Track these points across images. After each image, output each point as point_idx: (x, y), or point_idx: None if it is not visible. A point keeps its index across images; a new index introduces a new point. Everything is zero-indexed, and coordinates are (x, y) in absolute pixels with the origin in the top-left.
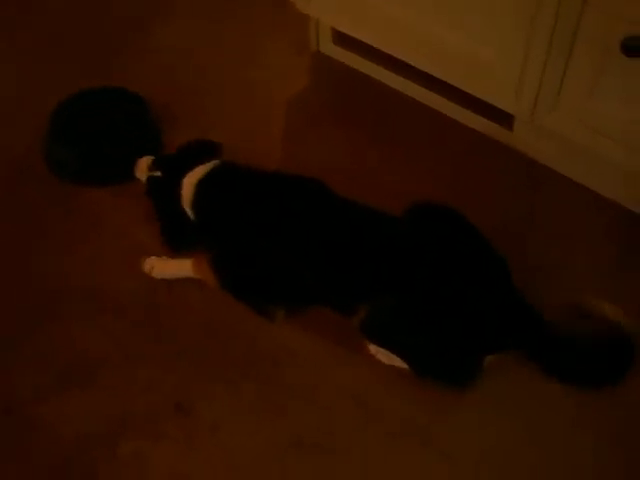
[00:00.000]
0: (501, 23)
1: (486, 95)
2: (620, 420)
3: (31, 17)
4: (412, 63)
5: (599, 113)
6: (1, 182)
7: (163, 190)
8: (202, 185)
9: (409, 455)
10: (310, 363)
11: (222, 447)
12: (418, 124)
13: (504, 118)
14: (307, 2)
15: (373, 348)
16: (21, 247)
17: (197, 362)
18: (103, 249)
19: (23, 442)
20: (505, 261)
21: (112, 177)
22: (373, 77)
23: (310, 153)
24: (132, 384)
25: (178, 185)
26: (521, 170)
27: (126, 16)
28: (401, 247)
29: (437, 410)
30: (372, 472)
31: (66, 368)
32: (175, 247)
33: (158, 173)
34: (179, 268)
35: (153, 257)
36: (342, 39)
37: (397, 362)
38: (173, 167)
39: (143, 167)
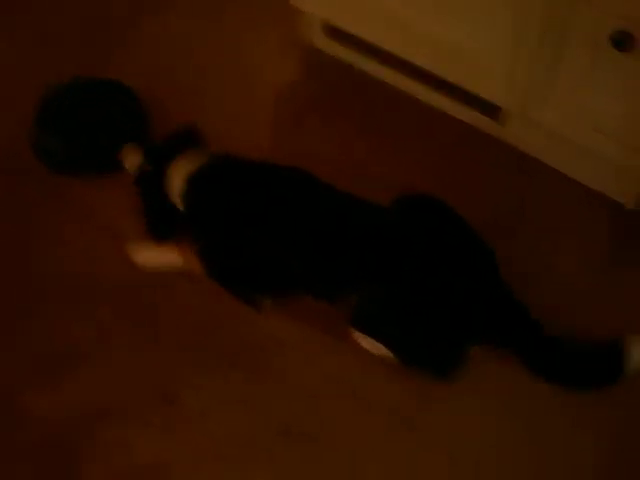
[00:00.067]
0: (491, 15)
1: (476, 88)
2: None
3: (29, 9)
4: (401, 55)
5: (590, 107)
6: None
7: (149, 180)
8: (193, 177)
9: (396, 443)
10: (297, 352)
11: (209, 436)
12: (407, 116)
13: (494, 111)
14: None
15: (357, 335)
16: (6, 238)
17: (184, 351)
18: (91, 239)
19: (7, 429)
20: (493, 253)
21: (99, 167)
22: (363, 69)
23: (299, 145)
24: (118, 373)
25: (164, 174)
26: (512, 163)
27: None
28: (387, 237)
29: (423, 398)
30: (360, 460)
31: (51, 357)
32: (158, 239)
33: (145, 163)
34: (166, 257)
35: (140, 247)
36: (333, 32)
37: (382, 350)
38: (159, 156)
39: (132, 157)
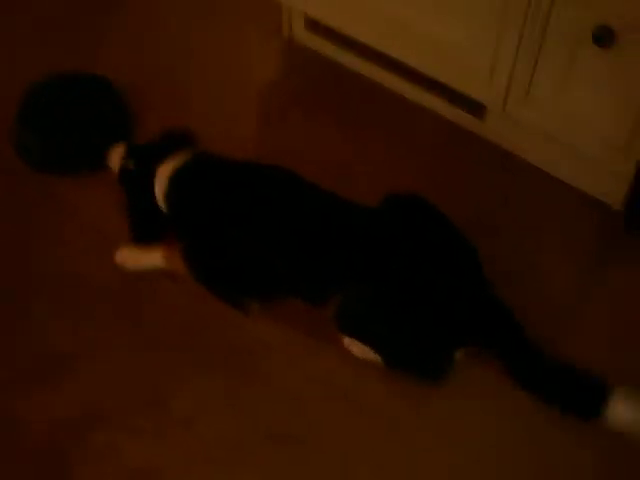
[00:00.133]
0: (473, 10)
1: (458, 84)
2: None
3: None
4: (384, 50)
5: (572, 104)
6: None
7: (135, 181)
8: (175, 177)
9: (385, 444)
10: (284, 355)
11: (197, 440)
12: (391, 113)
13: (478, 109)
14: None
15: (347, 341)
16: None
17: (171, 355)
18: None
19: None
20: (476, 251)
21: (78, 165)
22: (346, 65)
23: (283, 143)
24: (105, 377)
25: (151, 175)
26: (495, 161)
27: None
28: (371, 236)
29: (408, 401)
30: (350, 462)
31: (38, 361)
32: (141, 240)
33: (131, 162)
34: (151, 260)
35: (125, 248)
36: (314, 27)
37: (370, 355)
38: (146, 157)
39: (115, 156)
